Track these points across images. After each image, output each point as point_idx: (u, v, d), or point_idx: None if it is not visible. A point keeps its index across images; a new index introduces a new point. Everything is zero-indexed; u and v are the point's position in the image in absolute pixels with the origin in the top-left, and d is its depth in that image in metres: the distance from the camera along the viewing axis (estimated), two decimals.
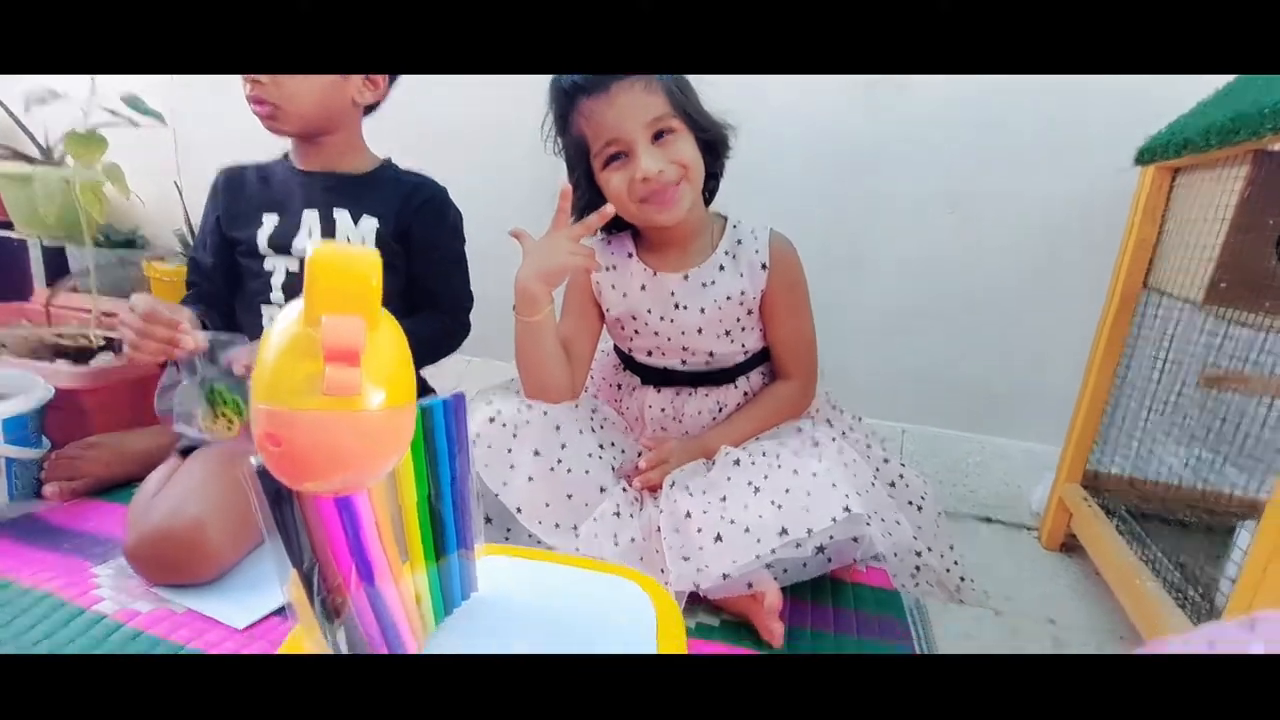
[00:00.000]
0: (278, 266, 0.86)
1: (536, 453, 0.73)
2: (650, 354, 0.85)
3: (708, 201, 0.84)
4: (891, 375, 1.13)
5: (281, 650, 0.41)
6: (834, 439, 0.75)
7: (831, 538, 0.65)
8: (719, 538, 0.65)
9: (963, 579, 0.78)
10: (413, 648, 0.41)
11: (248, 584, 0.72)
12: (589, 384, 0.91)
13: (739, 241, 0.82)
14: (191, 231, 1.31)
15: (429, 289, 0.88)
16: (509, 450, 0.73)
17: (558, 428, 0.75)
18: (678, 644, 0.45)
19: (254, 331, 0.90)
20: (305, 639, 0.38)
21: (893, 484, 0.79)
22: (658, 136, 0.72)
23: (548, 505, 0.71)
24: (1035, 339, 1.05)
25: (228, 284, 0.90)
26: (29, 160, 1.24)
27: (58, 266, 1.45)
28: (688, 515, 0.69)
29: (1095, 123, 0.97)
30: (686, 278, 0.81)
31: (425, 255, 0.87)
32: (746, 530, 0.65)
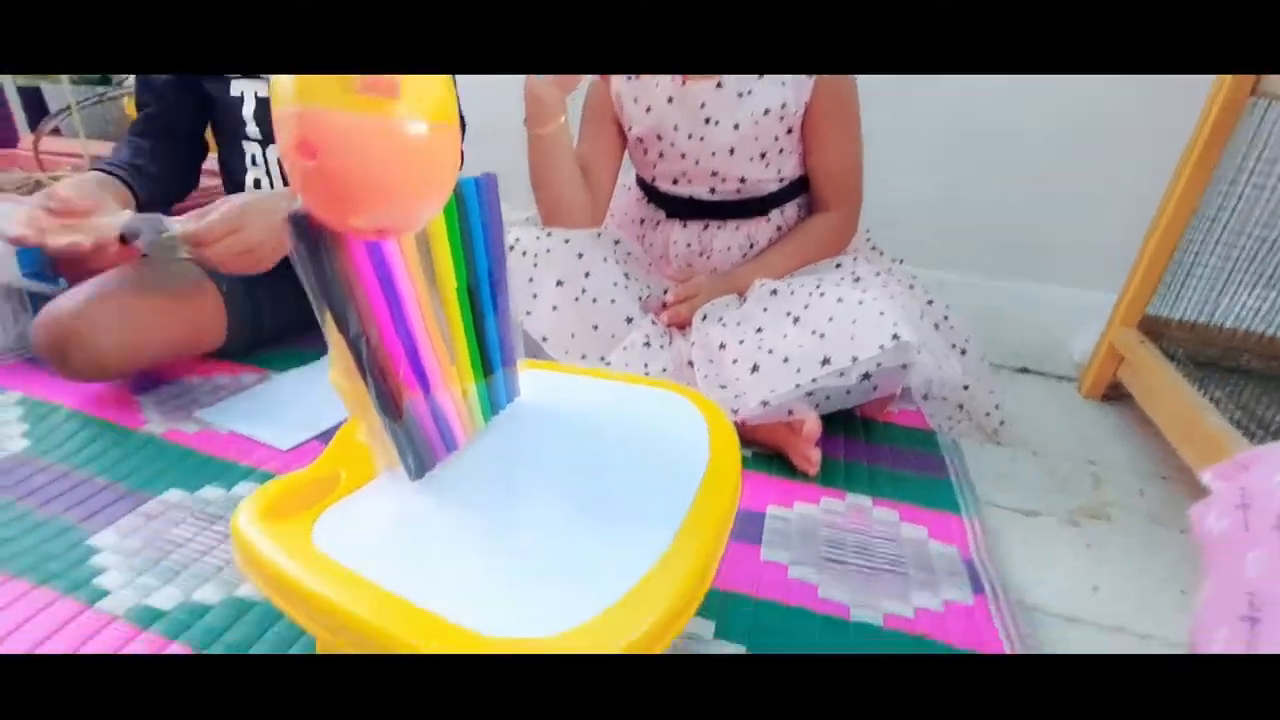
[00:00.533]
0: (246, 91, 0.76)
1: (559, 282, 0.69)
2: (676, 181, 0.77)
3: None
4: (930, 217, 1.06)
5: (334, 441, 0.40)
6: (877, 274, 0.69)
7: (879, 365, 0.61)
8: (756, 368, 0.63)
9: (1002, 422, 0.76)
10: (464, 441, 0.40)
11: (293, 409, 0.73)
12: (608, 220, 0.85)
13: None
14: None
15: None
16: (530, 280, 0.69)
17: (580, 255, 0.71)
18: (732, 456, 0.42)
19: (232, 162, 0.83)
20: (359, 425, 0.37)
21: (937, 326, 0.75)
22: None
23: (573, 336, 0.69)
24: (1087, 179, 0.96)
25: (179, 102, 0.80)
26: None
27: (37, 108, 1.36)
28: (721, 346, 0.66)
29: None
30: (720, 85, 0.71)
31: None
32: (785, 360, 0.62)
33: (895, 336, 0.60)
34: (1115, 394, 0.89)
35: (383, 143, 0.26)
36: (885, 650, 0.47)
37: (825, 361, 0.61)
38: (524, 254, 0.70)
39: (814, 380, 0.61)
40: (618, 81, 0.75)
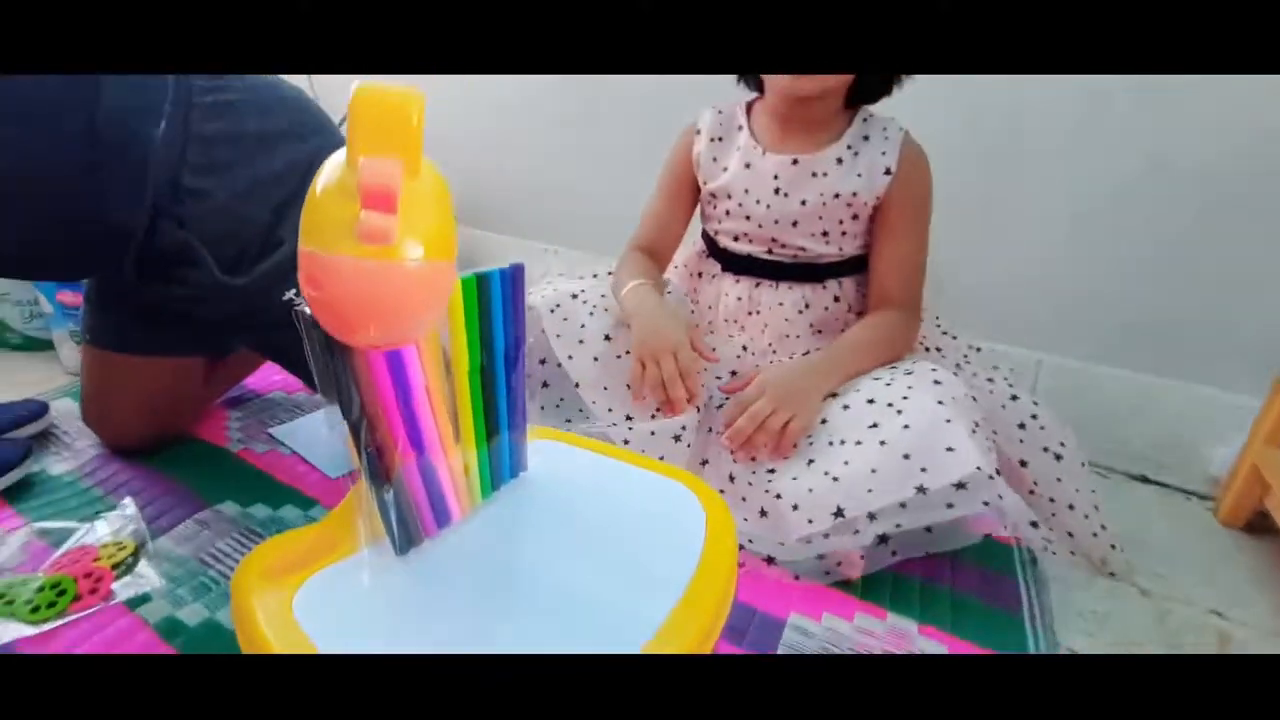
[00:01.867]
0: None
1: (607, 337, 0.67)
2: (737, 239, 0.74)
3: (859, 101, 0.69)
4: (1029, 290, 0.89)
5: (343, 502, 0.40)
6: (933, 378, 0.58)
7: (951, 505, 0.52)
8: (795, 507, 0.55)
9: (1114, 547, 0.62)
10: (458, 517, 0.39)
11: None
12: (670, 270, 0.83)
13: (866, 138, 0.67)
14: None
15: None
16: (582, 326, 0.68)
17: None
18: (728, 553, 0.38)
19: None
20: (355, 497, 0.37)
21: (1022, 425, 0.63)
22: None
23: (606, 389, 0.66)
24: (1237, 256, 0.78)
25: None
26: None
27: None
28: (772, 473, 0.59)
29: None
30: (796, 162, 0.68)
31: None
32: (836, 513, 0.53)
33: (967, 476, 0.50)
34: (1262, 525, 0.71)
35: (376, 282, 0.28)
36: None
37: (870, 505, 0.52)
38: (584, 302, 0.70)
39: (856, 532, 0.53)
40: (701, 141, 0.74)
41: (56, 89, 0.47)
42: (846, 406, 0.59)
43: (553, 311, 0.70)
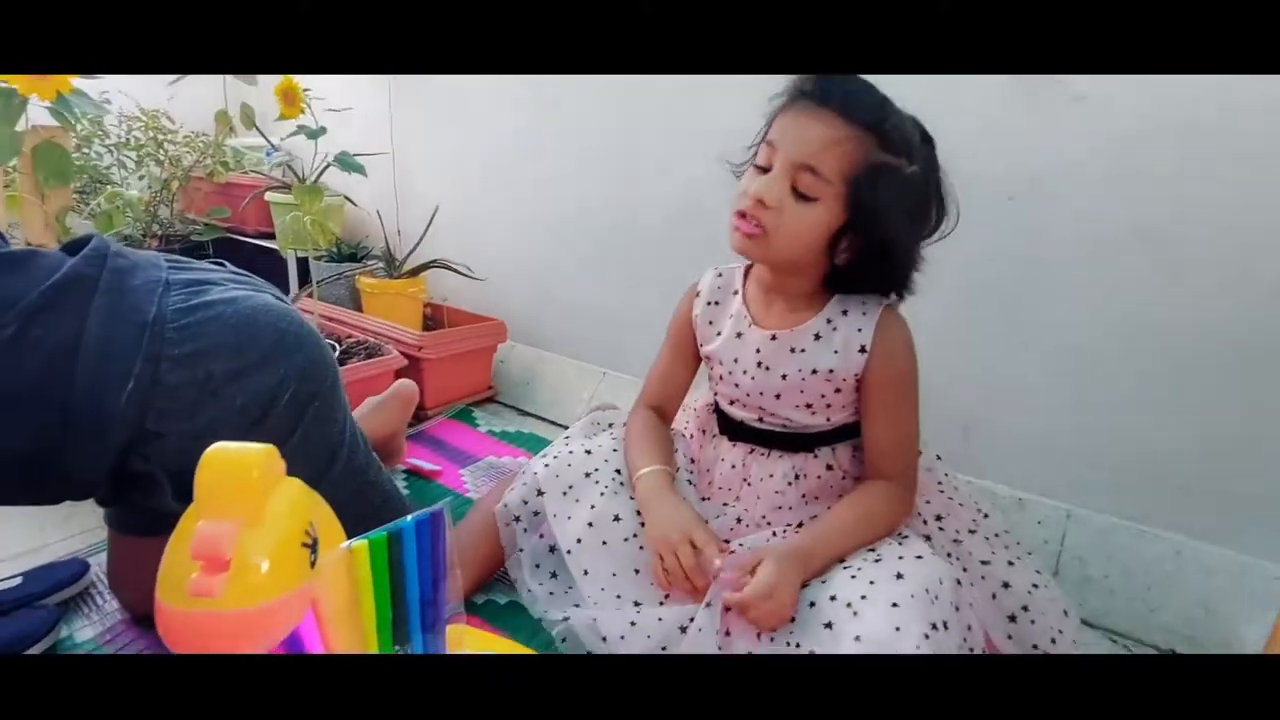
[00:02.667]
0: None
1: (593, 506, 0.68)
2: (732, 403, 0.75)
3: (839, 287, 0.68)
4: (1059, 440, 0.87)
5: None
6: (897, 570, 0.56)
7: None
8: None
9: None
10: None
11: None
12: (685, 428, 0.84)
13: (845, 312, 0.67)
14: (391, 250, 1.44)
15: None
16: (593, 507, 0.69)
17: (632, 497, 0.69)
18: None
19: None
20: None
21: (1012, 618, 0.61)
22: (798, 192, 0.60)
23: (615, 575, 0.66)
24: (1262, 416, 0.75)
25: None
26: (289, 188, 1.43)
27: (304, 275, 1.69)
28: None
29: None
30: (774, 338, 0.69)
31: None
32: None
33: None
34: None
35: (210, 631, 0.31)
36: None
37: None
38: (596, 480, 0.71)
39: None
40: (699, 303, 0.76)
41: (33, 377, 0.49)
42: (812, 604, 0.58)
43: (556, 479, 0.71)
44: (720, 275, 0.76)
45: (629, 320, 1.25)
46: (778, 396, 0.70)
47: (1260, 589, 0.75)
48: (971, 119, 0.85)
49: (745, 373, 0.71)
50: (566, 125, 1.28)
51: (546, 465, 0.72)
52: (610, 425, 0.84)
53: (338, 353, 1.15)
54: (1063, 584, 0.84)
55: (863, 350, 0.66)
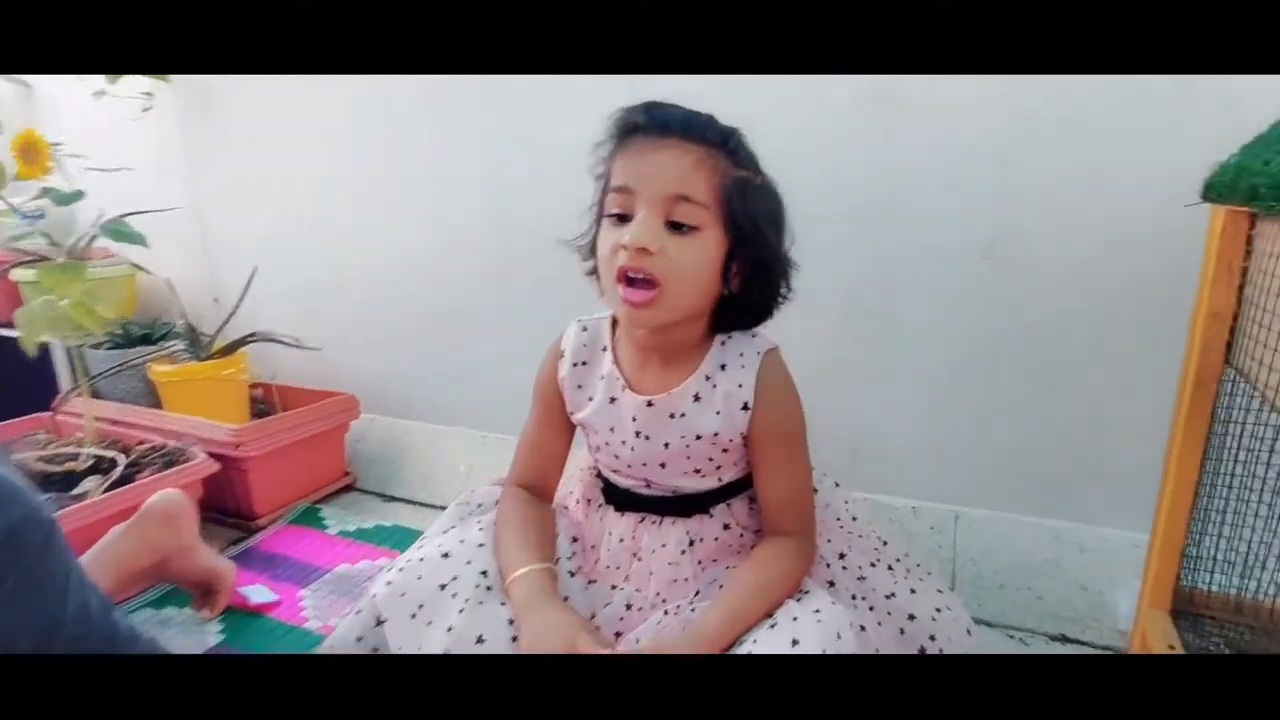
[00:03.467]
0: None
1: (481, 639, 0.53)
2: (615, 471, 0.66)
3: (724, 324, 0.62)
4: (939, 449, 0.90)
5: None
6: (793, 635, 0.50)
7: None
8: None
9: None
10: None
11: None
12: (569, 499, 0.73)
13: (723, 366, 0.61)
14: (194, 327, 1.21)
15: None
16: (449, 629, 0.54)
17: (502, 603, 0.56)
18: None
19: None
20: None
21: (902, 631, 0.58)
22: (676, 227, 0.54)
23: None
24: (1107, 404, 0.81)
25: None
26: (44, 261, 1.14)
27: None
28: None
29: (1168, 141, 0.72)
30: (650, 404, 0.62)
31: None
32: None
33: None
34: None
35: None
36: None
37: None
38: (452, 591, 0.56)
39: None
40: (564, 365, 0.66)
41: None
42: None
43: (401, 599, 0.55)
44: (585, 330, 0.67)
45: (506, 371, 1.10)
46: (662, 465, 0.63)
47: (1127, 557, 0.79)
48: (812, 135, 0.87)
49: (624, 443, 0.63)
50: (404, 155, 1.13)
51: (389, 583, 0.57)
52: (481, 505, 0.71)
53: (122, 465, 0.91)
54: (960, 586, 0.87)
55: (745, 407, 0.60)
